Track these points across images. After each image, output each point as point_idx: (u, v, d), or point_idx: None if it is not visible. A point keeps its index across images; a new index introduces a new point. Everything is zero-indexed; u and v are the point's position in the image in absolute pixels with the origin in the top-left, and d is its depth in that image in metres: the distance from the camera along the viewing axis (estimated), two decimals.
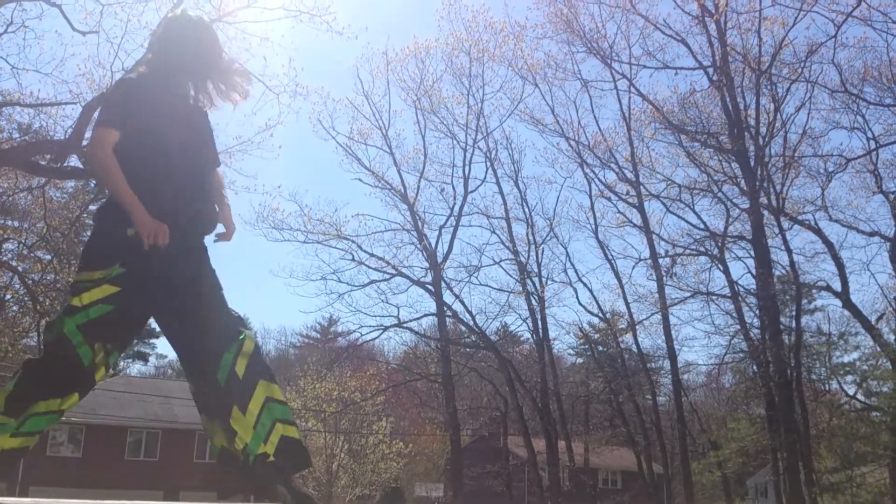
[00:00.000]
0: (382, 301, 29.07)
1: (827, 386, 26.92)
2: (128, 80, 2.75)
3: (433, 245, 27.86)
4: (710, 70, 22.33)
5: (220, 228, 2.81)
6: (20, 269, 18.95)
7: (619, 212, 27.36)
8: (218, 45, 2.80)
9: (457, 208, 28.09)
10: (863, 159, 22.31)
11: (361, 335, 30.09)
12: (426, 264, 27.81)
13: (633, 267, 30.94)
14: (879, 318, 22.90)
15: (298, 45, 28.80)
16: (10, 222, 19.28)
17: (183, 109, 2.75)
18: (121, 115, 2.58)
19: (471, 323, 28.23)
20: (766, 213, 22.27)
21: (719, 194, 24.31)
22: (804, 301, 25.38)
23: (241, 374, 2.61)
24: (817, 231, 22.35)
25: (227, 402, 2.58)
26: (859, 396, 23.22)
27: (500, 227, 28.77)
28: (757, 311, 23.39)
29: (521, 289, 28.33)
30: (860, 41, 20.26)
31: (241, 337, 2.66)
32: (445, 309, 27.84)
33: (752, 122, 22.35)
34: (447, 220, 28.25)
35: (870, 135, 22.04)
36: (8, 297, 20.62)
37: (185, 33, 2.74)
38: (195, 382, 2.68)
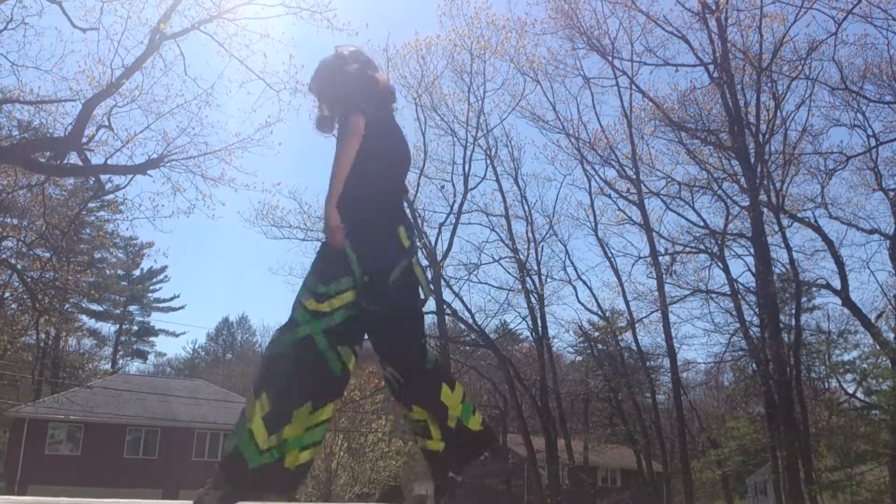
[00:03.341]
0: None
1: (826, 384, 26.94)
2: None
3: (433, 243, 27.83)
4: (711, 67, 22.30)
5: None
6: (19, 266, 18.92)
7: (618, 209, 27.29)
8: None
9: (456, 206, 27.97)
10: (863, 156, 22.24)
11: None
12: (426, 262, 27.75)
13: (633, 265, 31.08)
14: (879, 316, 22.89)
15: (298, 42, 28.62)
16: (9, 220, 19.23)
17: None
18: None
19: (470, 321, 28.22)
20: (765, 210, 22.23)
21: (719, 192, 24.29)
22: (804, 299, 25.37)
23: (440, 364, 2.87)
24: (817, 228, 22.34)
25: (437, 381, 2.81)
26: (859, 395, 23.17)
27: (499, 224, 28.73)
28: (756, 309, 23.35)
29: (520, 287, 28.31)
30: (860, 38, 20.17)
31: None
32: (445, 307, 27.83)
33: (753, 120, 22.30)
34: (447, 218, 28.21)
35: (870, 132, 22.01)
36: (7, 294, 20.59)
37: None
38: (402, 373, 2.79)
